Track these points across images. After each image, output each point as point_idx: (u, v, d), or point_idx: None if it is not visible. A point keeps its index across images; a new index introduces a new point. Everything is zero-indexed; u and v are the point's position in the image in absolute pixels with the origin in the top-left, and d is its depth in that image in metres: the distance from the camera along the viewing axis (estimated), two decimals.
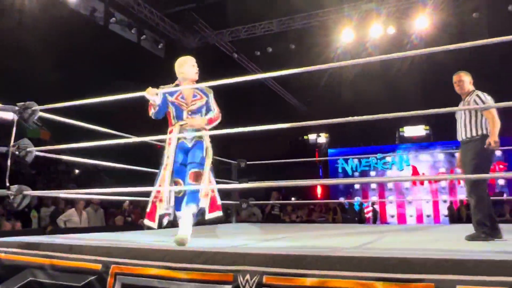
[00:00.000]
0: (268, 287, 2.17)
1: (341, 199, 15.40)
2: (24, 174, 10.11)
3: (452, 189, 15.33)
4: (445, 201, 14.46)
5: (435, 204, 15.51)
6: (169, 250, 2.59)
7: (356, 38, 11.77)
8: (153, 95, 3.38)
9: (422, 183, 15.76)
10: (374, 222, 13.89)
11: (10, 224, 7.43)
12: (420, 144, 16.64)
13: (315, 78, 14.61)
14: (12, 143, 3.44)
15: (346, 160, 16.77)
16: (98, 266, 2.61)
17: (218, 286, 2.27)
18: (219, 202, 3.44)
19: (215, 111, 3.70)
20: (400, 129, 17.21)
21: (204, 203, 3.32)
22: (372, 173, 16.70)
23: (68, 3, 11.06)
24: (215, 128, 3.74)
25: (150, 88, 3.39)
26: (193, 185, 3.30)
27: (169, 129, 3.56)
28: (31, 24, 10.27)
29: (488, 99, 3.57)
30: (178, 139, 3.45)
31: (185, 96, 3.58)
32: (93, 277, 2.60)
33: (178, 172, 3.40)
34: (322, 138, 18.71)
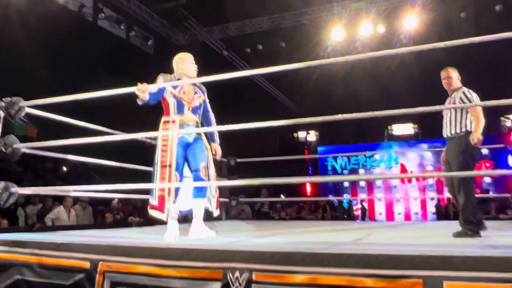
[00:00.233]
0: (257, 284, 2.18)
1: (331, 197, 15.49)
2: (10, 171, 9.96)
3: (439, 187, 15.51)
4: (432, 199, 14.63)
5: (423, 202, 15.67)
6: (158, 247, 2.58)
7: (346, 36, 11.83)
8: (144, 93, 3.34)
9: (410, 180, 15.92)
10: (363, 219, 14.00)
11: None
12: (409, 142, 16.79)
13: (305, 76, 14.64)
14: None
15: (335, 158, 16.85)
16: (87, 264, 2.59)
17: (208, 283, 2.27)
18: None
19: (213, 119, 3.83)
20: (389, 127, 17.34)
21: (213, 202, 3.53)
22: (361, 171, 16.81)
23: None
24: (198, 124, 3.72)
25: (140, 84, 3.34)
26: (203, 180, 3.43)
27: (165, 119, 3.54)
28: (19, 19, 10.12)
29: (474, 96, 3.60)
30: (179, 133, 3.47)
31: (186, 91, 3.60)
32: (81, 275, 2.58)
33: (177, 167, 3.42)
34: (312, 136, 18.77)
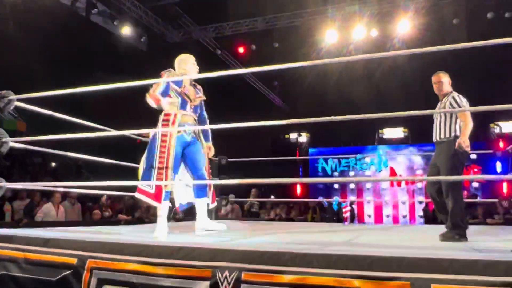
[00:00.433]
0: (246, 284, 2.18)
1: (320, 198, 15.55)
2: None
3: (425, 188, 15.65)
4: (421, 202, 14.75)
5: (411, 205, 15.81)
6: (146, 245, 2.56)
7: (339, 39, 11.88)
8: (158, 103, 3.51)
9: (399, 184, 16.04)
10: (352, 221, 14.07)
11: None
12: (399, 145, 16.92)
13: (298, 77, 14.68)
14: None
15: (326, 160, 16.92)
16: (74, 260, 2.57)
17: (197, 282, 2.26)
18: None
19: (207, 119, 3.94)
20: (380, 131, 17.46)
21: (209, 195, 3.72)
22: (351, 173, 16.90)
23: None
24: (196, 123, 3.77)
25: (150, 95, 3.47)
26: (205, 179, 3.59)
27: (166, 115, 3.57)
28: (11, 13, 10.00)
29: (463, 101, 3.64)
30: (178, 131, 3.51)
31: (189, 90, 3.67)
32: (68, 272, 2.56)
33: (174, 169, 3.49)
34: (303, 137, 18.81)
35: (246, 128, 3.34)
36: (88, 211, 8.86)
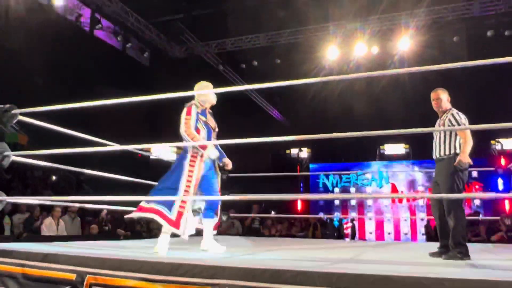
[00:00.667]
0: None
1: (321, 215, 15.45)
2: None
3: (429, 208, 15.55)
4: (422, 219, 14.65)
5: (413, 222, 15.69)
6: (146, 261, 2.54)
7: (340, 56, 11.97)
8: (215, 154, 3.73)
9: (400, 200, 15.96)
10: (353, 238, 13.95)
11: None
12: (400, 162, 16.89)
13: (300, 93, 14.75)
14: None
15: (327, 176, 16.88)
16: (73, 276, 2.54)
17: None
18: None
19: None
20: (381, 147, 17.45)
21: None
22: (352, 189, 16.84)
23: (54, 8, 10.96)
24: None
25: (209, 152, 3.64)
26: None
27: (197, 147, 3.64)
28: (16, 27, 10.12)
29: (463, 118, 3.63)
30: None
31: (209, 119, 3.83)
32: None
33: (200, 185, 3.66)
34: (304, 153, 18.80)
35: (247, 143, 3.34)
36: (88, 225, 8.82)
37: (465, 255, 3.36)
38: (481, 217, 11.86)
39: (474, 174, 13.51)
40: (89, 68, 12.15)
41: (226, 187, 6.31)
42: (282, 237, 9.22)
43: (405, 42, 11.13)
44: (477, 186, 14.36)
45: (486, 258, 3.51)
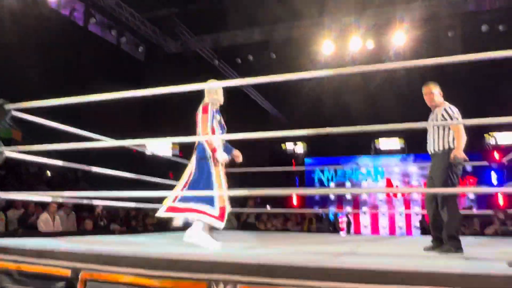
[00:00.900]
0: None
1: (316, 209, 15.50)
2: None
3: (424, 202, 15.64)
4: (417, 214, 14.73)
5: (407, 216, 15.78)
6: (141, 257, 2.53)
7: (336, 50, 11.96)
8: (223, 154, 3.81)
9: (395, 195, 16.03)
10: (348, 232, 14.00)
11: None
12: (395, 156, 16.95)
13: (295, 87, 14.73)
14: None
15: (322, 170, 16.92)
16: (68, 272, 2.54)
17: None
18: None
19: None
20: (376, 141, 17.49)
21: None
22: (348, 183, 16.89)
23: (48, 2, 10.85)
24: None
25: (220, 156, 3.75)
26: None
27: (215, 143, 3.76)
28: (10, 21, 10.02)
29: (455, 112, 3.64)
30: None
31: (221, 118, 3.97)
32: (62, 283, 2.53)
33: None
34: (300, 148, 18.81)
35: (243, 138, 3.34)
36: (84, 221, 8.80)
37: (458, 248, 3.39)
38: (475, 211, 11.96)
39: (468, 168, 13.59)
40: (83, 63, 12.08)
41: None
42: (277, 232, 9.25)
43: (400, 37, 11.13)
44: (471, 180, 14.44)
45: (480, 252, 3.55)
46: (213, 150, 3.70)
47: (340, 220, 14.38)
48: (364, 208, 16.26)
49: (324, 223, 12.86)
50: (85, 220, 8.56)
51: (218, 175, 3.73)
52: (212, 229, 3.76)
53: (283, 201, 16.21)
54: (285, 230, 10.27)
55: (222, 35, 13.20)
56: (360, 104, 13.66)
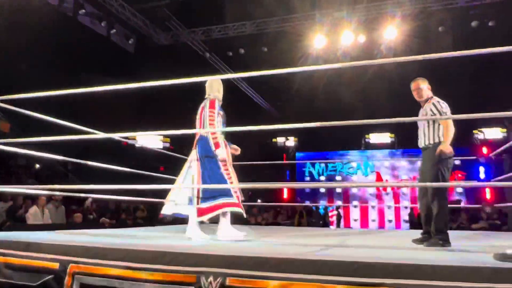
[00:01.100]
0: None
1: (307, 203, 15.59)
2: None
3: (413, 196, 15.82)
4: (406, 207, 14.89)
5: (397, 210, 15.94)
6: (130, 249, 2.53)
7: (327, 44, 11.94)
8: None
9: (385, 189, 16.18)
10: (338, 225, 14.13)
11: None
12: (385, 150, 17.08)
13: (286, 81, 14.72)
14: None
15: (313, 164, 17.00)
16: (56, 265, 2.52)
17: None
18: None
19: None
20: (366, 136, 17.60)
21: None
22: (338, 177, 17.00)
23: None
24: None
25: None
26: None
27: (214, 137, 3.86)
28: None
29: (444, 107, 3.67)
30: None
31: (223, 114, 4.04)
32: (49, 277, 2.51)
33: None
34: (291, 142, 18.85)
35: (234, 132, 3.34)
36: (73, 214, 8.74)
37: (446, 242, 3.44)
38: (462, 205, 12.12)
39: (457, 162, 13.70)
40: (73, 54, 11.92)
41: None
42: (268, 225, 9.29)
43: (392, 31, 11.15)
44: (459, 175, 14.62)
45: (467, 245, 3.59)
46: (216, 145, 3.78)
47: (330, 214, 14.55)
48: (354, 202, 16.39)
49: (315, 216, 12.95)
50: (75, 213, 8.50)
51: (225, 166, 3.85)
52: (201, 222, 3.78)
53: (274, 195, 16.27)
54: (275, 224, 10.31)
55: (214, 27, 13.11)
56: (352, 99, 13.71)
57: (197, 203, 3.67)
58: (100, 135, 4.38)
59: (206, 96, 4.06)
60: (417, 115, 3.89)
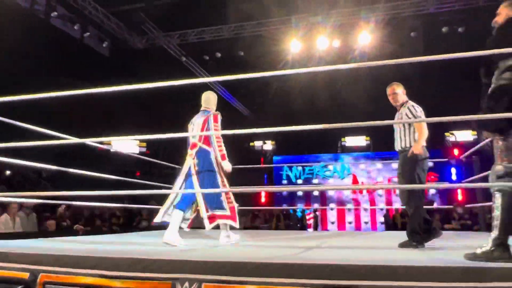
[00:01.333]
0: None
1: (285, 206, 15.65)
2: None
3: (388, 198, 16.09)
4: (381, 209, 15.13)
5: (372, 212, 16.18)
6: (103, 257, 2.46)
7: (303, 49, 12.06)
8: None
9: (361, 191, 16.40)
10: (315, 228, 14.24)
11: None
12: (361, 153, 17.33)
13: (263, 85, 14.77)
14: None
15: (290, 168, 17.09)
16: (26, 275, 2.44)
17: None
18: None
19: None
20: (342, 139, 17.83)
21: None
22: (315, 180, 17.13)
23: None
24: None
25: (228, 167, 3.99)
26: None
27: (221, 147, 4.01)
28: None
29: (418, 111, 3.79)
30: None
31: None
32: (19, 287, 2.42)
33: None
34: (268, 145, 18.91)
35: (210, 135, 3.31)
36: (45, 221, 8.50)
37: (419, 243, 3.51)
38: (435, 205, 12.40)
39: (430, 164, 14.00)
40: (45, 57, 11.63)
41: None
42: (246, 229, 9.26)
43: (365, 37, 11.36)
44: (432, 176, 14.96)
45: (440, 245, 3.67)
46: (223, 157, 3.93)
47: (307, 217, 14.63)
48: (331, 205, 16.54)
49: (292, 220, 13.01)
50: (47, 221, 8.27)
51: (223, 178, 4.00)
52: (180, 228, 3.79)
53: (252, 199, 16.26)
54: (253, 228, 10.30)
55: (190, 31, 13.04)
56: (327, 103, 13.87)
57: (207, 211, 3.81)
58: (73, 140, 4.27)
59: (203, 108, 4.22)
60: (391, 118, 3.98)
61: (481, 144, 5.02)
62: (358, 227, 16.16)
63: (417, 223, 3.59)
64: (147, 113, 14.67)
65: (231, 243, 3.89)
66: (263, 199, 16.78)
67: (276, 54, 12.52)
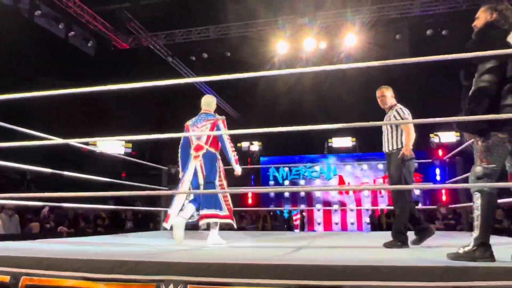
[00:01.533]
0: None
1: (272, 207, 15.66)
2: None
3: (374, 199, 16.23)
4: (367, 210, 15.26)
5: (358, 212, 16.30)
6: (86, 259, 2.43)
7: (290, 50, 12.11)
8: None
9: (347, 192, 16.51)
10: (302, 229, 14.28)
11: None
12: (347, 154, 17.45)
13: (250, 86, 14.77)
14: None
15: (277, 169, 17.12)
16: (6, 278, 2.39)
17: None
18: None
19: None
20: (329, 140, 17.93)
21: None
22: (302, 181, 17.19)
23: None
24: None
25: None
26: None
27: (235, 151, 4.22)
28: None
29: (406, 113, 3.85)
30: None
31: None
32: None
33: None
34: (255, 146, 18.92)
35: (198, 135, 3.29)
36: (28, 223, 8.36)
37: (404, 243, 3.56)
38: (420, 206, 12.55)
39: (415, 165, 14.20)
40: (29, 57, 11.46)
41: (175, 180, 6.22)
42: (232, 230, 9.23)
43: (351, 38, 11.45)
44: (417, 177, 15.15)
45: (423, 245, 3.72)
46: (236, 161, 4.15)
47: (294, 217, 14.67)
48: (318, 206, 16.62)
49: (279, 220, 13.03)
50: (31, 223, 8.14)
51: (222, 180, 4.17)
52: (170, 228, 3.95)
53: (239, 200, 16.23)
54: (240, 229, 10.27)
55: (176, 32, 12.98)
56: (314, 104, 13.94)
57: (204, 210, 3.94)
58: (57, 140, 4.21)
59: (205, 111, 4.34)
60: (377, 120, 4.01)
61: (464, 145, 5.10)
62: (344, 228, 16.27)
63: (403, 224, 3.64)
64: (133, 113, 14.54)
65: (218, 244, 3.91)
66: (249, 200, 16.77)
67: (263, 55, 12.54)
